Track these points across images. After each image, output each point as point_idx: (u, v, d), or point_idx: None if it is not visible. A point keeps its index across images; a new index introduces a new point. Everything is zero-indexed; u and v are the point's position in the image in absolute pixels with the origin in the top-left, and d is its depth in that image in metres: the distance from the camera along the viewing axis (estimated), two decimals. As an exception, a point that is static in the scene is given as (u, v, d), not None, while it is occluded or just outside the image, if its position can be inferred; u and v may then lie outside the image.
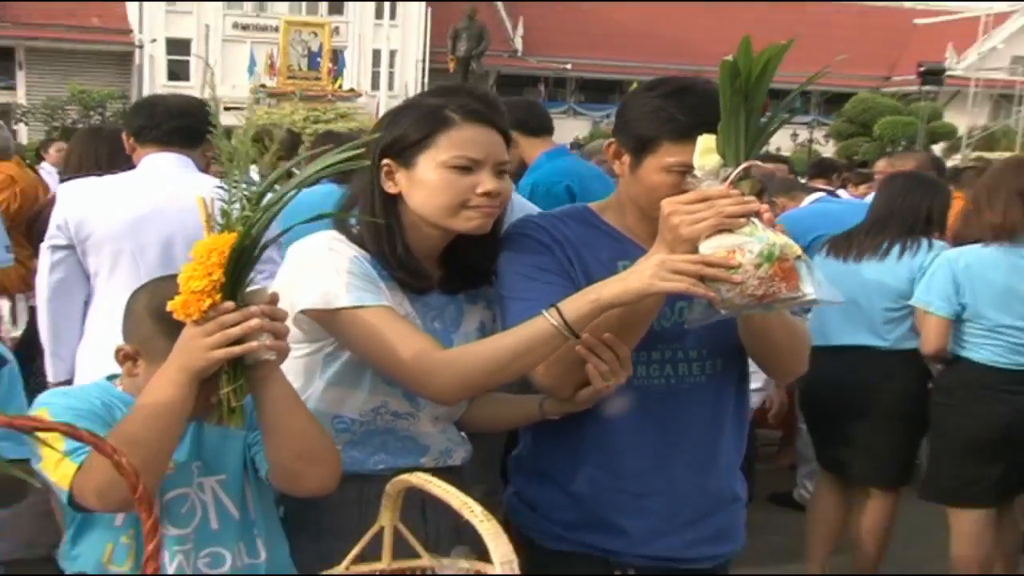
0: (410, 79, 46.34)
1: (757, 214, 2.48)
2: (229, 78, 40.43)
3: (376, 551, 2.41)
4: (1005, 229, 5.12)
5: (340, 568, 2.40)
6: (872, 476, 5.63)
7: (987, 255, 5.15)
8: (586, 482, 2.88)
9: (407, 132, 2.70)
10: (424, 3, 46.76)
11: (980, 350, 5.19)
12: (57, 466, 2.32)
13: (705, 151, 2.53)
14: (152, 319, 2.45)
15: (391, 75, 46.61)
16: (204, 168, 4.69)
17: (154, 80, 43.28)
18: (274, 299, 2.33)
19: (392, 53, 46.44)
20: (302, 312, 2.66)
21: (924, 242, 5.48)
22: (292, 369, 2.67)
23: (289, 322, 2.40)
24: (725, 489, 3.05)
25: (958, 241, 5.36)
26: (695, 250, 2.47)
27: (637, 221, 2.87)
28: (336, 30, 45.70)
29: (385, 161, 2.73)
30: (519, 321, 2.66)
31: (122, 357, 2.52)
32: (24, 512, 4.76)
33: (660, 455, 2.90)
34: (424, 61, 46.92)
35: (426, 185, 2.70)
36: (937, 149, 26.92)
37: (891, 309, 5.42)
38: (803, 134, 42.23)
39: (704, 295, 2.44)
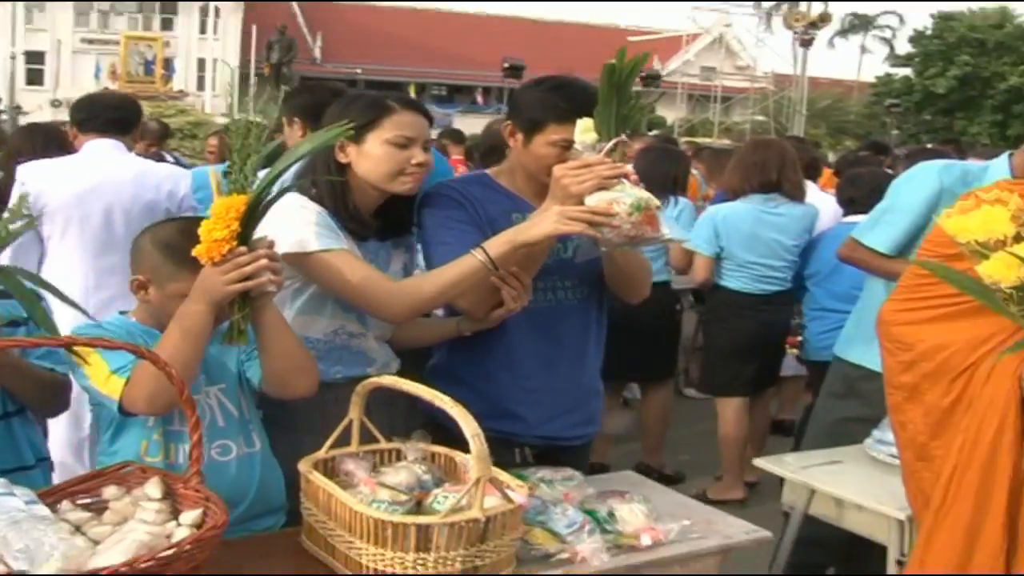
0: (228, 82, 45.55)
1: (626, 176, 2.66)
2: (79, 83, 39.49)
3: (343, 442, 2.52)
4: (739, 189, 5.44)
5: (321, 452, 2.49)
6: (648, 375, 5.84)
7: (737, 209, 5.43)
8: (492, 382, 2.99)
9: (357, 116, 2.76)
10: (239, 20, 45.85)
11: (734, 280, 5.47)
12: (107, 381, 2.39)
13: (584, 130, 2.71)
14: (157, 251, 2.53)
15: (213, 79, 45.66)
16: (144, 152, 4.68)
17: (15, 85, 41.68)
18: (271, 244, 2.40)
19: (214, 61, 45.47)
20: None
21: (671, 199, 5.75)
22: None
23: None
24: (592, 384, 3.22)
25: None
26: (582, 203, 2.64)
27: (525, 183, 3.01)
28: (167, 43, 44.60)
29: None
30: (444, 261, 2.81)
31: (136, 286, 2.56)
32: None
33: (547, 359, 3.05)
34: (239, 67, 46.01)
35: (372, 157, 2.81)
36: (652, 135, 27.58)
37: (649, 250, 5.64)
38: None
39: (592, 235, 2.65)
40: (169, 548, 1.95)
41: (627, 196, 2.65)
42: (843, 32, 52.68)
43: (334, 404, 2.65)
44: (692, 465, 6.04)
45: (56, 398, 2.63)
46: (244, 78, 44.18)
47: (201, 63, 45.99)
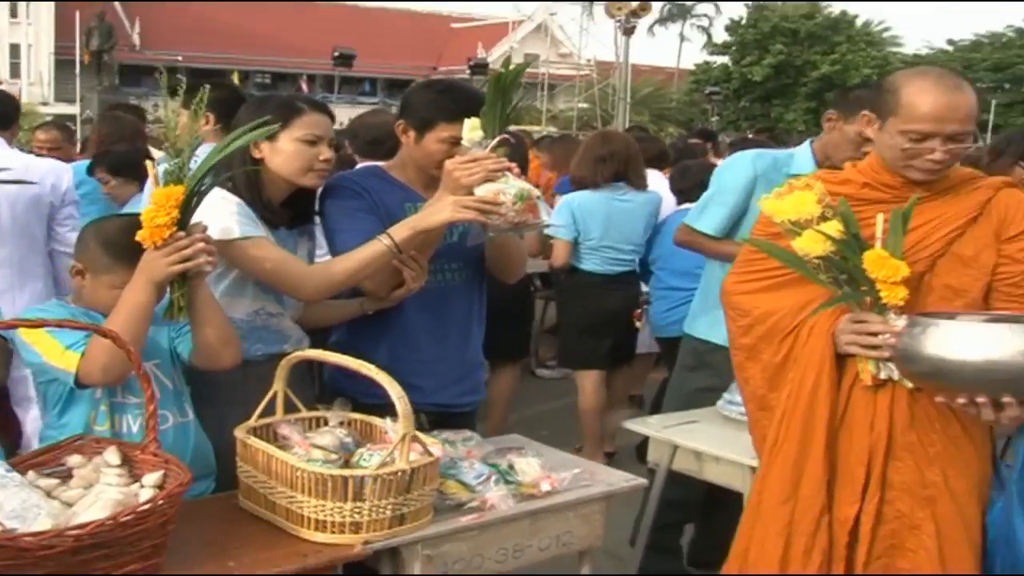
0: (44, 68, 44.00)
1: (509, 169, 3.04)
2: None
3: (267, 412, 2.82)
4: (590, 181, 5.86)
5: (251, 422, 2.79)
6: (499, 355, 6.13)
7: (592, 197, 5.85)
8: (390, 355, 3.27)
9: (271, 117, 3.05)
10: (52, 3, 44.33)
11: (589, 263, 5.89)
12: (62, 356, 2.64)
13: (472, 129, 3.07)
14: (98, 244, 2.81)
15: (29, 66, 44.06)
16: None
17: None
18: (205, 229, 2.70)
19: (29, 47, 43.87)
20: None
21: None
22: None
23: None
24: (477, 357, 3.58)
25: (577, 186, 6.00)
26: (471, 194, 3.00)
27: (416, 176, 3.36)
28: (-25, 28, 42.88)
29: None
30: (348, 246, 3.16)
31: (75, 272, 2.84)
32: None
33: (438, 334, 3.40)
34: (54, 54, 44.52)
35: (284, 153, 3.12)
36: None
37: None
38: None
39: (483, 222, 3.02)
40: (145, 503, 2.23)
41: (511, 187, 3.02)
42: (662, 21, 54.17)
43: (256, 379, 2.97)
44: (551, 440, 6.23)
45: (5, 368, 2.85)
46: (60, 65, 43.00)
47: (14, 49, 44.33)
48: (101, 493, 2.33)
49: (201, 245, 2.66)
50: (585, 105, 40.56)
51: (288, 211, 3.24)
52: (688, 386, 4.32)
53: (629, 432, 4.11)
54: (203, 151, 4.05)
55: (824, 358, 2.78)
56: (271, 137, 3.09)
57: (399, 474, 2.50)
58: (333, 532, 2.49)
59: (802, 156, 4.13)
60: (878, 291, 2.64)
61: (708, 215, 4.19)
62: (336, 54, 29.56)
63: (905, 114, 2.71)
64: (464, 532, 2.68)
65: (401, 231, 3.08)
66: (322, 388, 3.49)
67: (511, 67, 3.10)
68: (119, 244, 2.75)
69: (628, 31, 36.60)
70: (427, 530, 2.61)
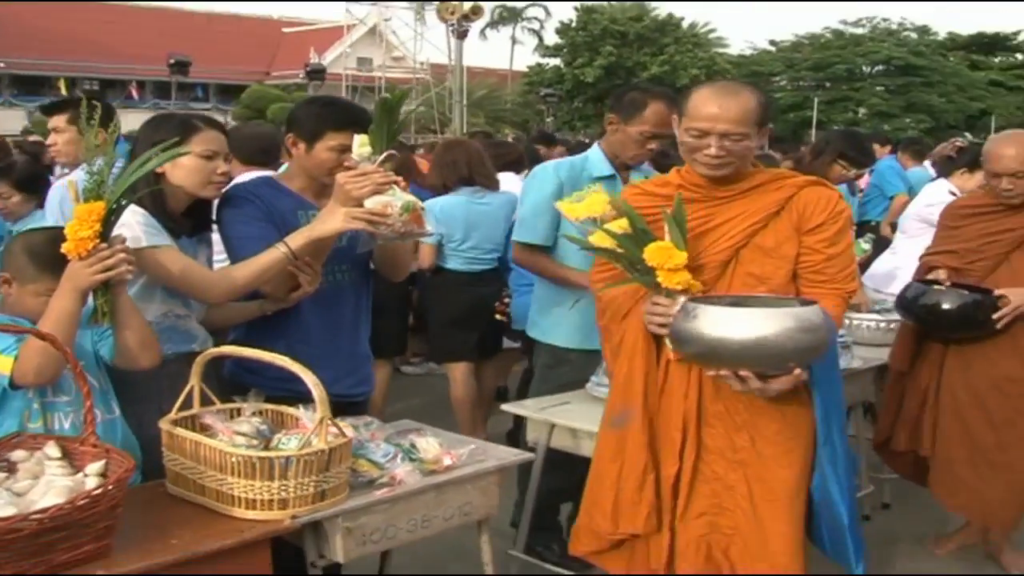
0: None
1: (396, 183, 3.35)
2: None
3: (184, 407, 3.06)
4: (444, 186, 6.21)
5: (172, 415, 3.01)
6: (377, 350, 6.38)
7: (452, 201, 6.18)
8: (288, 351, 3.40)
9: (169, 135, 3.31)
10: None
11: (453, 262, 6.21)
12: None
13: (361, 144, 3.39)
14: (25, 255, 3.05)
15: None
16: None
17: None
18: (123, 240, 2.95)
19: None
20: None
21: None
22: None
23: None
24: (365, 351, 3.88)
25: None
26: (361, 205, 3.31)
27: (307, 185, 3.66)
28: None
29: None
30: (247, 251, 3.45)
31: (2, 281, 3.06)
32: None
33: (332, 330, 3.68)
34: None
35: (185, 168, 3.38)
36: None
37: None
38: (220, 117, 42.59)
39: (372, 232, 3.35)
40: (97, 488, 2.47)
41: (398, 199, 3.34)
42: (494, 24, 54.87)
43: (166, 377, 3.23)
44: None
45: None
46: None
47: None
48: (51, 482, 2.55)
49: (122, 255, 2.91)
50: (421, 108, 40.82)
51: (189, 220, 3.48)
52: (552, 383, 4.54)
53: (497, 422, 4.42)
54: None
55: (637, 335, 3.23)
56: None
57: (319, 453, 2.78)
58: (262, 509, 2.75)
59: (595, 158, 4.55)
60: (656, 277, 3.06)
61: (529, 227, 4.52)
62: (172, 61, 29.21)
63: (688, 115, 3.15)
64: (378, 505, 2.97)
65: (297, 239, 3.38)
66: (221, 383, 3.71)
67: (396, 92, 3.44)
68: (44, 255, 2.98)
69: (461, 35, 37.01)
70: (345, 504, 2.89)
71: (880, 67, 52.73)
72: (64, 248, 2.86)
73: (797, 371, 2.93)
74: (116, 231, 3.02)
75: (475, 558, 3.39)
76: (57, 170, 7.68)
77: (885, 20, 54.48)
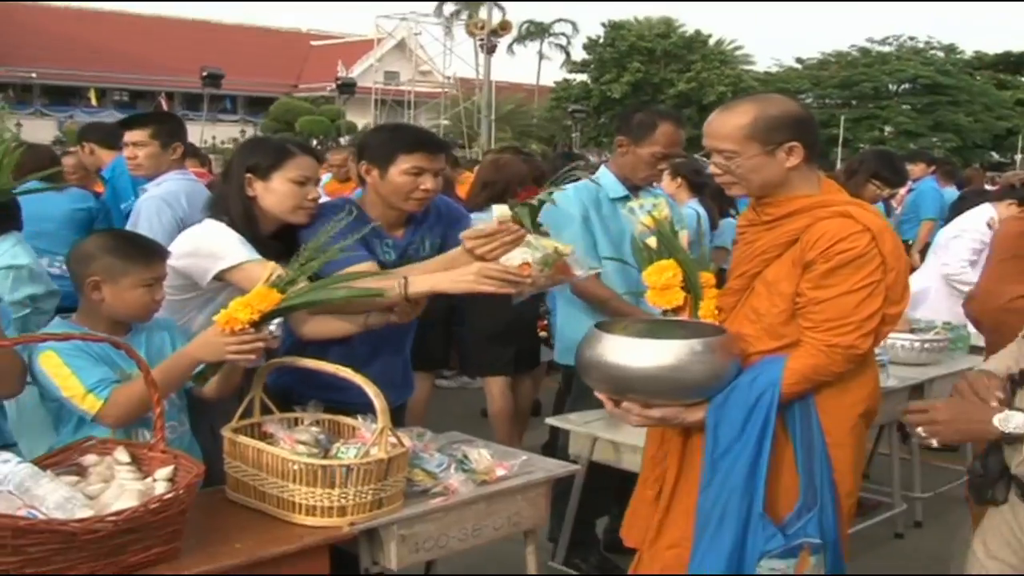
0: None
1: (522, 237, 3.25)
2: None
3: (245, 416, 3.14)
4: (477, 204, 6.27)
5: (233, 423, 3.09)
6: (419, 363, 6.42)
7: (486, 219, 6.23)
8: (335, 359, 3.39)
9: (264, 158, 3.42)
10: None
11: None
12: (84, 399, 2.94)
13: (501, 215, 3.25)
14: (107, 254, 3.10)
15: None
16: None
17: None
18: (274, 335, 3.08)
19: None
20: (222, 272, 3.33)
21: None
22: (177, 308, 3.37)
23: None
24: (407, 361, 3.95)
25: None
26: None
27: (383, 214, 3.61)
28: None
29: (248, 175, 3.44)
30: (340, 268, 3.31)
31: (91, 288, 3.09)
32: None
33: (378, 345, 3.71)
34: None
35: (277, 193, 3.45)
36: (344, 140, 28.24)
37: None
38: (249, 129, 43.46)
39: (509, 292, 3.23)
40: (169, 492, 2.56)
41: (536, 252, 3.19)
42: (521, 39, 55.09)
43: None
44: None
45: (22, 383, 3.07)
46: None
47: None
48: (123, 486, 2.64)
49: (261, 345, 2.95)
50: (447, 122, 41.01)
51: (276, 243, 3.50)
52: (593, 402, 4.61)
53: (531, 436, 4.46)
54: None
55: None
56: (265, 177, 3.42)
57: (378, 463, 2.86)
58: (322, 516, 2.83)
59: (607, 180, 4.61)
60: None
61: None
62: (204, 73, 29.44)
63: None
64: (432, 514, 3.05)
65: (418, 285, 3.30)
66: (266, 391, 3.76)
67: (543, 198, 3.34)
68: (126, 247, 3.11)
69: (489, 49, 37.19)
70: (401, 512, 2.97)
71: (907, 86, 52.76)
72: (217, 318, 2.91)
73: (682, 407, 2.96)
74: (219, 248, 3.23)
75: (513, 568, 3.45)
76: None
77: (912, 39, 54.55)
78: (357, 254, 3.36)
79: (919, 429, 2.59)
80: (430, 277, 3.33)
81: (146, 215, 4.84)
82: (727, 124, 3.00)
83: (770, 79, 55.05)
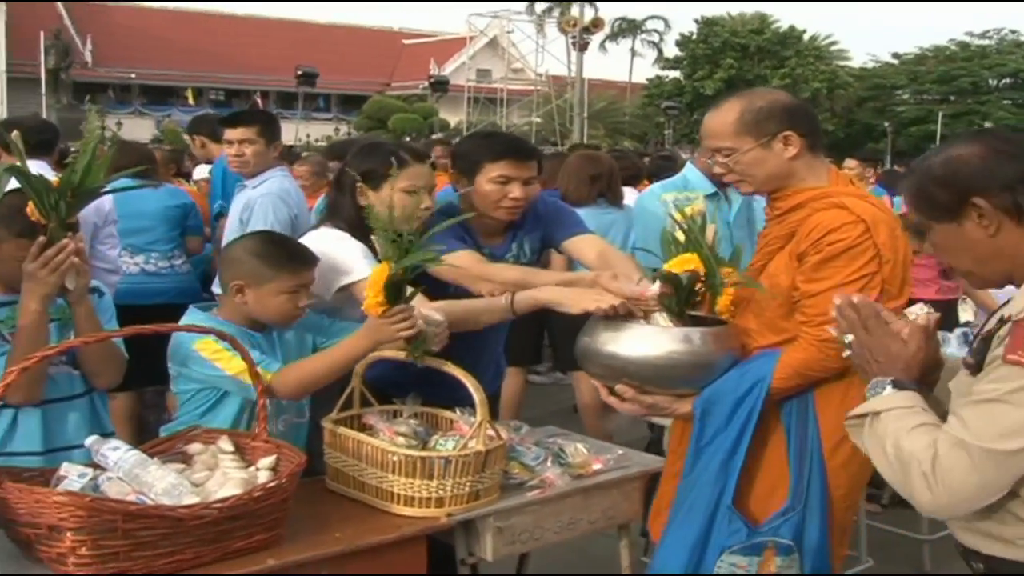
0: (-2, 86, 44.02)
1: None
2: None
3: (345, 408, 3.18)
4: (579, 199, 6.27)
5: (334, 415, 3.13)
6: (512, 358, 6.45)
7: (586, 213, 6.18)
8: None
9: (377, 167, 3.42)
10: (2, 22, 44.20)
11: (583, 271, 6.27)
12: (251, 373, 2.89)
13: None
14: (254, 258, 3.15)
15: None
16: None
17: None
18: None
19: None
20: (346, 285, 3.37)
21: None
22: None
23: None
24: (500, 352, 3.97)
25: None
26: None
27: (478, 221, 3.57)
28: (-75, 47, 42.52)
29: (359, 184, 3.46)
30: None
31: (235, 291, 3.14)
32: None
33: (475, 338, 3.71)
34: (5, 72, 44.42)
35: (387, 203, 3.36)
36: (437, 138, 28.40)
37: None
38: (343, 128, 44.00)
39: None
40: (272, 481, 2.61)
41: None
42: (613, 36, 54.83)
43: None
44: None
45: (121, 374, 3.17)
46: (13, 83, 42.86)
47: (-32, 67, 44.15)
48: (227, 474, 2.70)
49: (410, 319, 2.94)
50: (539, 120, 41.03)
51: None
52: None
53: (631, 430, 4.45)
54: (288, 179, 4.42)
55: None
56: (376, 187, 3.43)
57: (477, 455, 2.88)
58: (420, 507, 2.87)
59: (694, 177, 4.64)
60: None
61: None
62: (299, 72, 29.83)
63: None
64: (528, 506, 3.07)
65: (523, 299, 3.29)
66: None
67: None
68: (273, 254, 3.14)
69: (582, 47, 37.14)
70: (498, 504, 3.00)
71: (1007, 80, 51.61)
72: (364, 306, 2.95)
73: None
74: (348, 260, 3.30)
75: (605, 563, 3.44)
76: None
77: (1013, 32, 53.26)
78: (457, 244, 3.41)
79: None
80: (534, 293, 3.27)
81: (260, 212, 4.92)
82: (717, 122, 2.98)
83: (865, 75, 54.26)
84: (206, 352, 3.01)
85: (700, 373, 2.89)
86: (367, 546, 2.76)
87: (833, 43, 54.74)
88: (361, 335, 3.01)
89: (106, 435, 2.91)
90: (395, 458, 2.86)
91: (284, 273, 3.10)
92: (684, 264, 2.94)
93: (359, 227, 3.37)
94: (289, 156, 9.70)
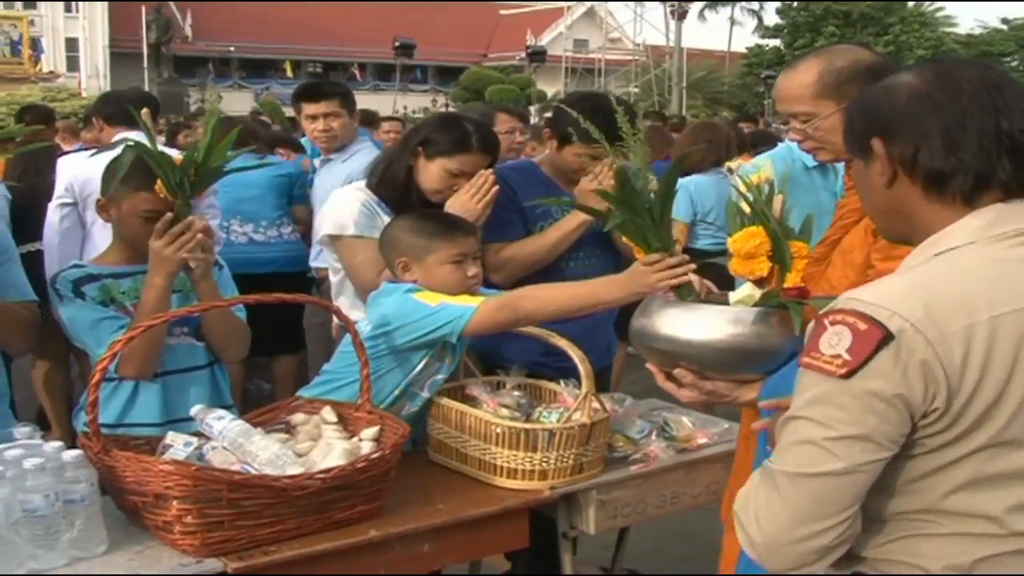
0: (99, 62, 44.84)
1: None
2: (-55, 64, 38.40)
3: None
4: (701, 166, 6.29)
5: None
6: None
7: (703, 180, 6.28)
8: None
9: (443, 141, 3.43)
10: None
11: (702, 241, 6.29)
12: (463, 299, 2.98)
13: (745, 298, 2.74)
14: (409, 234, 3.13)
15: (86, 59, 44.83)
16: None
17: None
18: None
19: (86, 40, 44.66)
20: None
21: None
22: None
23: None
24: (609, 326, 3.94)
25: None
26: None
27: (559, 175, 3.72)
28: (32, 22, 43.35)
29: (418, 148, 3.47)
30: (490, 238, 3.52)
31: (402, 269, 3.12)
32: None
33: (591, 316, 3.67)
34: (108, 47, 45.37)
35: (431, 176, 3.46)
36: (533, 109, 28.34)
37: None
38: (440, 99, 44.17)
39: None
40: (375, 452, 2.60)
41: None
42: (712, 5, 54.12)
43: None
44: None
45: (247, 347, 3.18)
46: (115, 58, 43.80)
47: (71, 43, 45.07)
48: (330, 445, 2.69)
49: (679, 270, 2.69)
50: (636, 90, 40.71)
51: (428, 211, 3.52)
52: None
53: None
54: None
55: None
56: (429, 156, 3.44)
57: (581, 427, 2.85)
58: (523, 479, 2.84)
59: (799, 148, 4.40)
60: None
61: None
62: (397, 44, 29.94)
63: None
64: (631, 480, 3.03)
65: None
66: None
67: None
68: (427, 225, 3.12)
69: (680, 16, 36.75)
70: (601, 477, 2.96)
71: (1120, 46, 49.88)
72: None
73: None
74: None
75: (705, 538, 3.36)
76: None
77: None
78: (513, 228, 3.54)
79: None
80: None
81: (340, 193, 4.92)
82: (794, 84, 2.70)
83: (972, 41, 52.81)
84: (425, 298, 2.98)
85: (764, 358, 2.59)
86: (469, 518, 2.75)
87: (939, 9, 53.43)
88: (620, 280, 2.83)
89: (226, 407, 2.91)
90: (498, 430, 2.84)
91: (441, 242, 3.06)
92: (749, 238, 2.75)
93: (401, 184, 3.47)
94: (369, 119, 9.64)
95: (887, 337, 1.59)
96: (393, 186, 3.49)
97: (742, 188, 2.78)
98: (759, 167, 3.22)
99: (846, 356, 1.62)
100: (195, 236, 2.85)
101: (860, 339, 1.61)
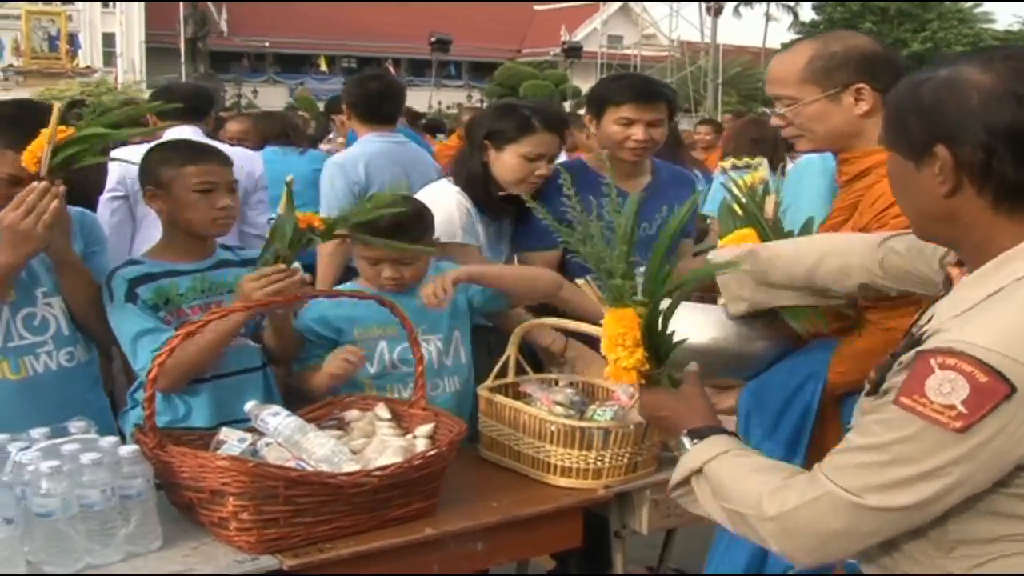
0: (136, 57, 45.05)
1: None
2: (-18, 59, 38.86)
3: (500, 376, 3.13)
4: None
5: (489, 382, 3.09)
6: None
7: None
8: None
9: (506, 128, 3.46)
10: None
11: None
12: None
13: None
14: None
15: (123, 55, 45.06)
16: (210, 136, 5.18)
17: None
18: None
19: (123, 35, 44.91)
20: None
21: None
22: None
23: None
24: None
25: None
26: None
27: (601, 166, 3.59)
28: (70, 17, 43.61)
29: (486, 141, 3.49)
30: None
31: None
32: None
33: None
34: (144, 42, 45.60)
35: (507, 165, 3.48)
36: (568, 105, 28.30)
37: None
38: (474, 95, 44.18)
39: None
40: (431, 450, 2.57)
41: None
42: (748, 0, 53.83)
43: None
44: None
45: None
46: (152, 53, 44.03)
47: (107, 38, 45.33)
48: (386, 442, 2.67)
49: None
50: (673, 86, 40.48)
51: (509, 206, 3.56)
52: None
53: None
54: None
55: None
56: (499, 147, 3.47)
57: (637, 427, 2.81)
58: (577, 478, 2.81)
59: None
60: None
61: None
62: (434, 39, 29.94)
63: None
64: (686, 480, 2.98)
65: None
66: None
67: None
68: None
69: (715, 12, 36.57)
70: (655, 476, 2.92)
71: None
72: None
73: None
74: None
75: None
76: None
77: None
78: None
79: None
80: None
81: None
82: (782, 66, 2.59)
83: (1011, 37, 52.08)
84: None
85: (743, 362, 2.58)
86: (523, 516, 2.72)
87: (976, 5, 52.85)
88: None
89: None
90: (553, 428, 2.80)
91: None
92: (741, 239, 2.68)
93: (480, 180, 3.49)
94: (416, 120, 9.60)
95: (1012, 393, 1.45)
96: (474, 186, 3.52)
97: (735, 190, 2.74)
98: (752, 167, 3.13)
99: (962, 409, 1.46)
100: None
101: (979, 392, 1.46)
